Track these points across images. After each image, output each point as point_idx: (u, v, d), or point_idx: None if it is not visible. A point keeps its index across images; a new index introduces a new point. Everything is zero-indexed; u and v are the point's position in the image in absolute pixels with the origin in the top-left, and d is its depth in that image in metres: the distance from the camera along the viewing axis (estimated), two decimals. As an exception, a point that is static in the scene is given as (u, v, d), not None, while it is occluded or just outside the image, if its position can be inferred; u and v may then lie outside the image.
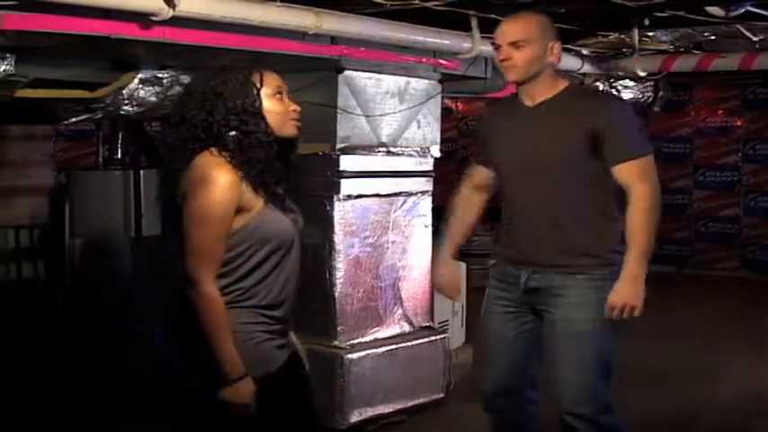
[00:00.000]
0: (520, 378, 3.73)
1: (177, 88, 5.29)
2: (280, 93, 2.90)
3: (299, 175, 3.04)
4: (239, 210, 2.78)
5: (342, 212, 5.29)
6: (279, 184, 2.91)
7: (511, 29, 3.56)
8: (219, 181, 2.72)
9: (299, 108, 2.94)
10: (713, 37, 6.20)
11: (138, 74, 5.14)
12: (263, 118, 2.84)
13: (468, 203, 3.90)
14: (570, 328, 3.51)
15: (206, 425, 2.89)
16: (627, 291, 3.41)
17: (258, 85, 2.86)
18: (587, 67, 7.07)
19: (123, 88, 5.15)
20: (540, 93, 3.57)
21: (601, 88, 7.35)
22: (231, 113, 2.80)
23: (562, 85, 3.60)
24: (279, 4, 4.42)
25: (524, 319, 3.66)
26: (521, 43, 3.48)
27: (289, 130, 2.91)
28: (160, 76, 5.21)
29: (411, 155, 5.71)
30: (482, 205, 3.92)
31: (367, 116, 5.40)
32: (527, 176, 3.60)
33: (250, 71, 2.87)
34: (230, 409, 2.79)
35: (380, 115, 5.47)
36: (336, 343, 5.29)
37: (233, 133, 2.81)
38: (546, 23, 3.58)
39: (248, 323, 2.84)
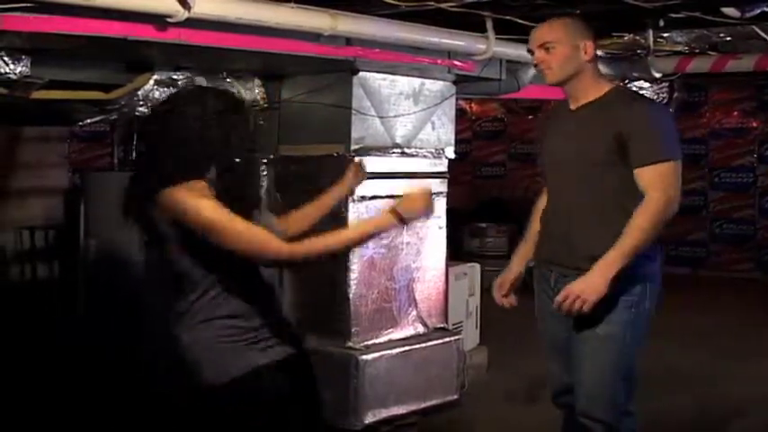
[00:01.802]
0: None
1: (192, 89, 5.32)
2: None
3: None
4: None
5: (356, 214, 5.29)
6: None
7: (539, 32, 3.62)
8: (198, 196, 2.78)
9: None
10: (729, 38, 6.15)
11: (153, 75, 5.15)
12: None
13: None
14: (588, 332, 3.50)
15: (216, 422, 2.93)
16: (586, 282, 3.34)
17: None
18: (602, 69, 7.03)
19: (138, 89, 5.16)
20: (582, 95, 3.60)
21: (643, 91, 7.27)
22: (214, 152, 2.86)
23: (606, 87, 3.62)
24: (294, 5, 4.42)
25: (568, 322, 3.60)
26: (549, 44, 3.55)
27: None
28: (175, 77, 5.22)
29: (425, 156, 5.71)
30: None
31: (381, 117, 5.41)
32: (560, 178, 3.65)
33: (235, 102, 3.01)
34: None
35: (395, 116, 5.48)
36: (351, 344, 5.30)
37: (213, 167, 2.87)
38: (575, 23, 3.62)
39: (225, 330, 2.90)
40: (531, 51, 3.65)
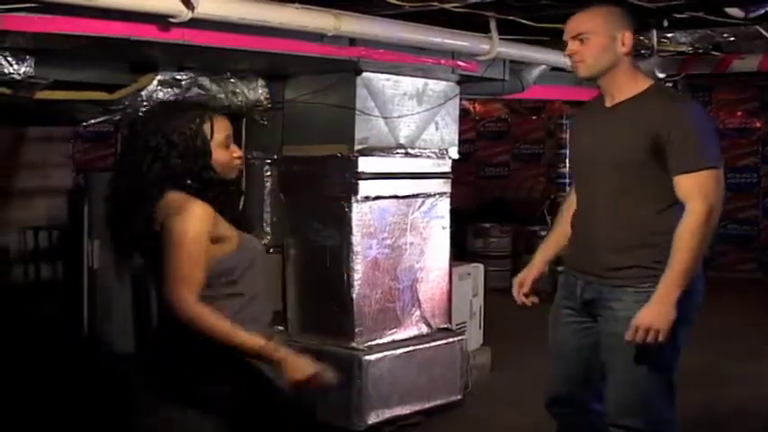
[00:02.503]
0: (582, 388, 3.59)
1: (196, 89, 5.31)
2: (228, 140, 3.01)
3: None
4: (219, 239, 2.91)
5: (360, 214, 5.29)
6: (235, 211, 3.10)
7: (574, 23, 3.42)
8: (194, 211, 2.86)
9: (240, 153, 3.08)
10: (732, 38, 6.15)
11: (156, 75, 5.15)
12: (213, 169, 2.96)
13: (571, 212, 3.67)
14: (617, 342, 3.34)
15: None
16: (653, 312, 3.18)
17: (209, 137, 2.95)
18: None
19: (142, 90, 5.16)
20: (618, 91, 3.40)
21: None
22: (185, 168, 2.91)
23: (644, 84, 3.42)
24: (298, 5, 4.42)
25: (589, 330, 3.51)
26: (584, 35, 3.35)
27: (231, 174, 3.05)
28: (179, 77, 5.22)
29: (429, 156, 5.71)
30: None
31: (385, 118, 5.40)
32: (589, 179, 3.49)
33: (202, 119, 2.96)
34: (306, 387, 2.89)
35: (398, 117, 5.47)
36: (354, 344, 5.29)
37: (189, 182, 2.92)
38: (612, 12, 3.41)
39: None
40: (565, 44, 3.45)
